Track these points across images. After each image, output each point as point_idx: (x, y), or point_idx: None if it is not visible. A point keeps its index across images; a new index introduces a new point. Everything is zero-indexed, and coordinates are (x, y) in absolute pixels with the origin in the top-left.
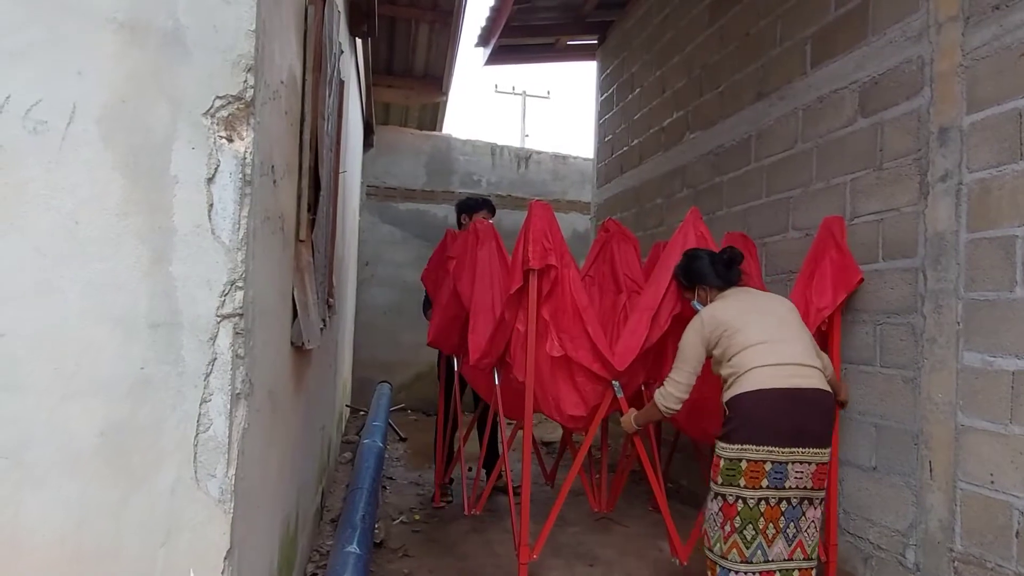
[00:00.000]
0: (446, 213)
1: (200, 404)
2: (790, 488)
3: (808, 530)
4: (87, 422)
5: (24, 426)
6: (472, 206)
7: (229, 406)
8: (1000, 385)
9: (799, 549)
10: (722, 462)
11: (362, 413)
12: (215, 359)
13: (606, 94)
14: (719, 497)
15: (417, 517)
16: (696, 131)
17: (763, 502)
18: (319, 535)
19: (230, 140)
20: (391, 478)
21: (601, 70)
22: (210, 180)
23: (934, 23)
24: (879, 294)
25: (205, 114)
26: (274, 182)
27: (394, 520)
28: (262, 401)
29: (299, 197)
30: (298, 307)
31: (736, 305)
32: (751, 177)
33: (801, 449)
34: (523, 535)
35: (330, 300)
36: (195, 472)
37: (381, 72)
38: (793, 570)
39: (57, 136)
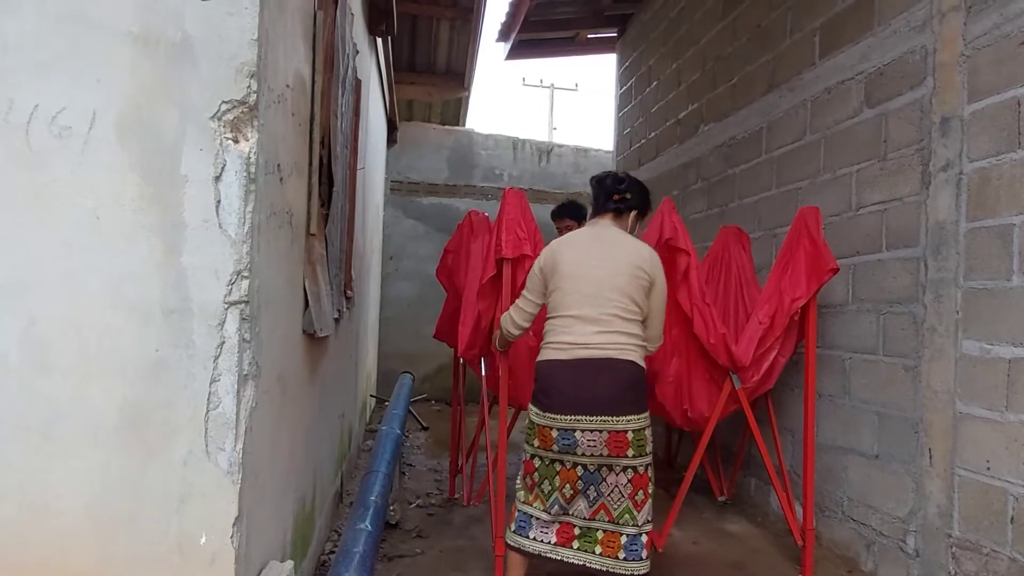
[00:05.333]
0: (468, 207)
1: (210, 384)
2: (583, 455)
3: (611, 495)
4: (108, 400)
5: (53, 403)
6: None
7: (237, 386)
8: (997, 373)
9: (603, 511)
10: (528, 421)
11: (387, 403)
12: (223, 343)
13: (625, 87)
14: (525, 452)
15: (433, 501)
16: (710, 123)
17: (557, 463)
18: (339, 517)
19: (235, 141)
20: (411, 465)
21: (620, 63)
22: (217, 179)
23: (937, 13)
24: (882, 284)
25: (212, 118)
26: (280, 179)
27: (411, 504)
28: (270, 383)
29: (309, 193)
30: (309, 297)
31: (577, 249)
32: (762, 169)
33: (588, 417)
34: (498, 527)
35: (348, 292)
36: (206, 445)
37: (403, 69)
38: (597, 530)
39: (79, 140)
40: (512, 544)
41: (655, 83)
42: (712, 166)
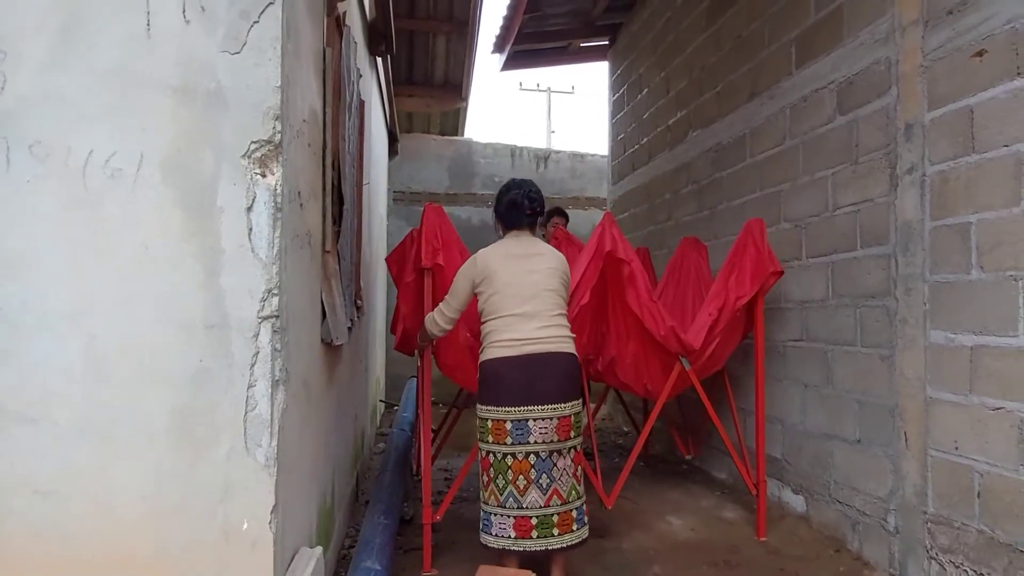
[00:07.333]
0: (469, 215)
1: (247, 389)
2: (536, 443)
3: (561, 478)
4: (160, 405)
5: (112, 410)
6: (548, 214)
7: (270, 390)
8: (960, 359)
9: (555, 496)
10: (478, 421)
11: (395, 408)
12: (258, 352)
13: (617, 94)
14: (480, 452)
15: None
16: (698, 129)
17: (509, 456)
18: (355, 514)
19: (263, 175)
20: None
21: (612, 71)
22: (249, 209)
23: (898, 26)
24: (859, 280)
25: (243, 156)
26: (301, 205)
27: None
28: (297, 388)
29: (324, 214)
30: (326, 309)
31: (507, 259)
32: (747, 172)
33: (539, 406)
34: (425, 498)
35: (358, 302)
36: (245, 443)
37: (402, 83)
38: (552, 515)
39: (129, 180)
40: (483, 543)
41: (645, 90)
42: (701, 170)
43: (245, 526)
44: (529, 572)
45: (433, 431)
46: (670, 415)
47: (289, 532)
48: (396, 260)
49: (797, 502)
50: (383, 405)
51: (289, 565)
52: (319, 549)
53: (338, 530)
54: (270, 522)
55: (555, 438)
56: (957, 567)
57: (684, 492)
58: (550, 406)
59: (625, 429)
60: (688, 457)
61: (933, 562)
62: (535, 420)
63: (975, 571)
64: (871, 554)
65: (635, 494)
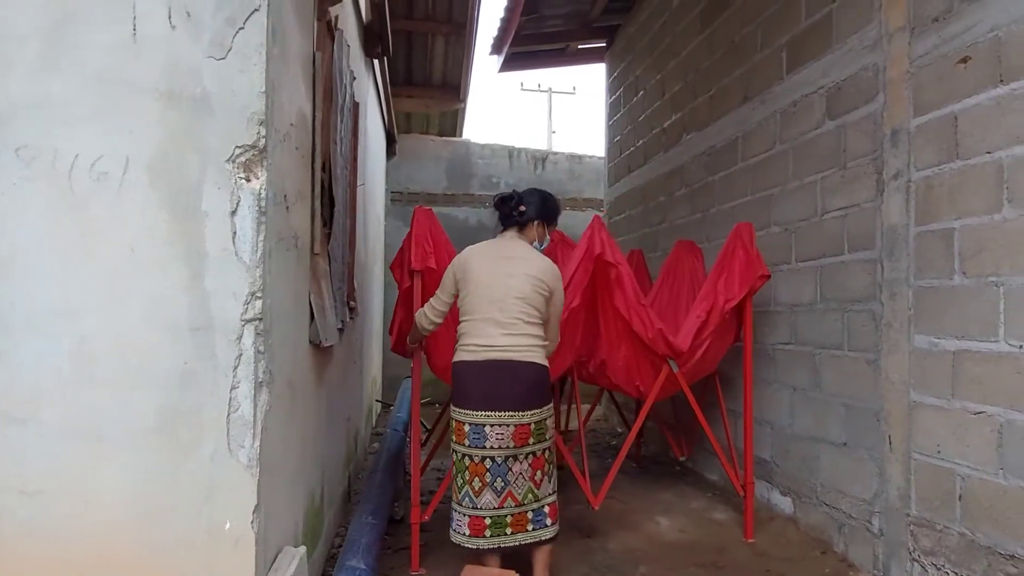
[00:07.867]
0: (467, 215)
1: (231, 390)
2: (491, 448)
3: (516, 482)
4: (146, 406)
5: (100, 410)
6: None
7: (253, 392)
8: (943, 364)
9: (509, 498)
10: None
11: (391, 407)
12: (241, 354)
13: (614, 96)
14: (450, 448)
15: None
16: (692, 132)
17: (467, 457)
18: (347, 514)
19: (248, 180)
20: None
21: (609, 73)
22: (233, 213)
23: (886, 33)
24: (846, 284)
25: (227, 160)
26: (287, 208)
27: None
28: (282, 389)
29: (312, 217)
30: (315, 310)
31: (489, 260)
32: (738, 176)
33: (497, 413)
34: (414, 497)
35: (351, 303)
36: (228, 444)
37: (400, 84)
38: (506, 515)
39: (115, 183)
40: (450, 537)
41: (641, 93)
42: (694, 174)
43: (228, 525)
44: (513, 572)
45: (428, 430)
46: (663, 416)
47: (272, 531)
48: (397, 266)
49: (785, 504)
50: (379, 405)
51: (272, 564)
52: (303, 548)
53: (328, 530)
54: (252, 522)
55: (511, 444)
56: (939, 569)
57: (675, 493)
58: (507, 414)
59: (619, 430)
60: (681, 458)
61: (915, 564)
62: (492, 426)
63: (956, 573)
64: (856, 556)
65: (626, 495)
